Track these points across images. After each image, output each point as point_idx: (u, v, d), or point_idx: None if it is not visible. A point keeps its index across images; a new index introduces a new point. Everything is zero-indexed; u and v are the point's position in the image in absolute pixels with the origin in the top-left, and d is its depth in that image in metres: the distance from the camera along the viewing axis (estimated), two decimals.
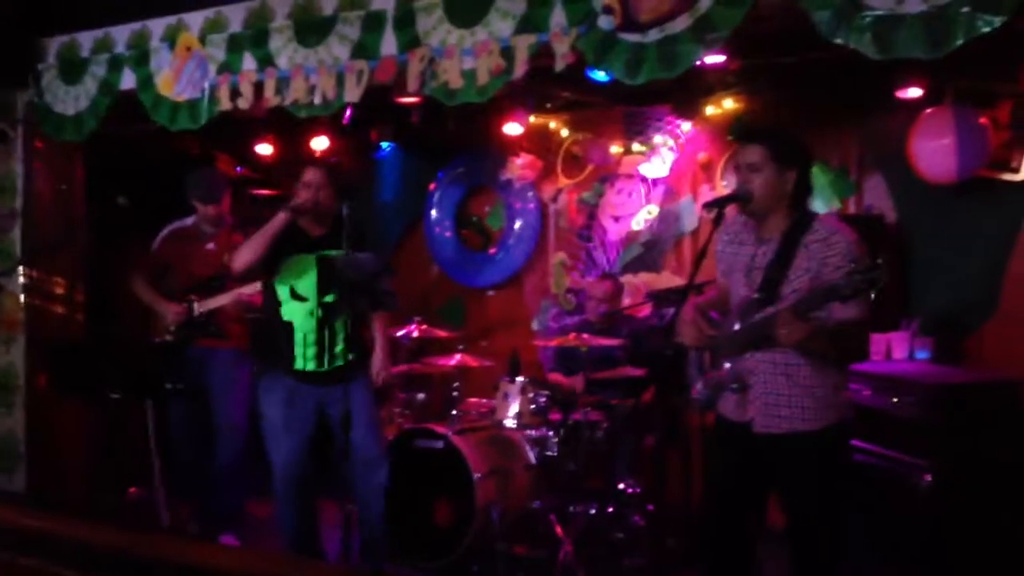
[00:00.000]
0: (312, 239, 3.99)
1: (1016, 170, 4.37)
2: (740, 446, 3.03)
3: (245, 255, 3.91)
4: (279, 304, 3.98)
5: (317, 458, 3.99)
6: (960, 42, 2.78)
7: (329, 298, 3.93)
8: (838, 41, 2.97)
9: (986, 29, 2.75)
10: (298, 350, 3.92)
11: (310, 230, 4.00)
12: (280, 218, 3.87)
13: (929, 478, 3.39)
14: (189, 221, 4.81)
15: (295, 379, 3.95)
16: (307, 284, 3.93)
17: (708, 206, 3.04)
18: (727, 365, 3.04)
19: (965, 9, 2.77)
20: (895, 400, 3.57)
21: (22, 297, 5.04)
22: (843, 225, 2.95)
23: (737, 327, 3.00)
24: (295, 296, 3.94)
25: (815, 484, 2.94)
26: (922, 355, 4.24)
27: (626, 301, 5.61)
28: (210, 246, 4.74)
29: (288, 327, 3.95)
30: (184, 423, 4.72)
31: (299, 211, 3.90)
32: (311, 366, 3.93)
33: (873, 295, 2.64)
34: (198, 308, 4.61)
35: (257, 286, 4.58)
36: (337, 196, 3.97)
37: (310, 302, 3.93)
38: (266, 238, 3.86)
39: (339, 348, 3.93)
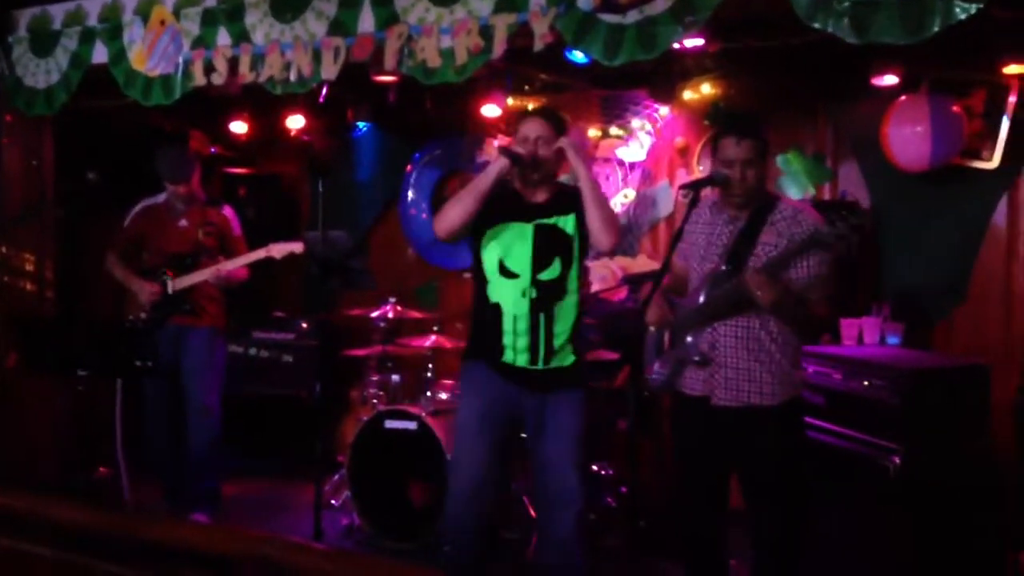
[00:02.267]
0: (531, 205, 3.31)
1: (988, 159, 4.41)
2: (700, 422, 3.10)
3: (452, 215, 3.22)
4: (486, 281, 3.30)
5: (505, 465, 3.35)
6: (937, 28, 2.81)
7: (547, 275, 3.24)
8: (816, 25, 2.99)
9: (963, 16, 2.78)
10: (507, 339, 3.24)
11: (529, 195, 3.33)
12: (496, 167, 3.20)
13: (898, 460, 3.43)
14: (160, 198, 4.75)
15: (500, 374, 3.27)
16: (520, 257, 3.24)
17: (685, 188, 3.07)
18: (689, 339, 3.08)
19: None
20: (866, 383, 3.61)
21: None
22: (806, 206, 3.11)
23: (702, 299, 3.04)
24: (504, 272, 3.26)
25: (774, 459, 3.02)
26: (893, 340, 4.28)
27: (601, 285, 5.63)
28: (183, 223, 4.69)
29: (495, 309, 3.26)
30: (156, 402, 4.68)
31: (519, 160, 3.21)
32: (522, 360, 3.23)
33: (856, 238, 2.71)
34: (173, 286, 4.56)
35: (239, 260, 4.53)
36: (558, 154, 3.28)
37: (522, 278, 3.24)
38: (480, 193, 3.21)
39: (559, 341, 3.24)
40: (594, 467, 4.63)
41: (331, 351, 5.31)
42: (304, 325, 5.90)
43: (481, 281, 3.32)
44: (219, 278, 4.51)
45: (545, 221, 3.29)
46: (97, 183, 4.39)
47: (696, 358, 3.06)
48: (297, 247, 4.38)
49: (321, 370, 4.80)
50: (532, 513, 4.30)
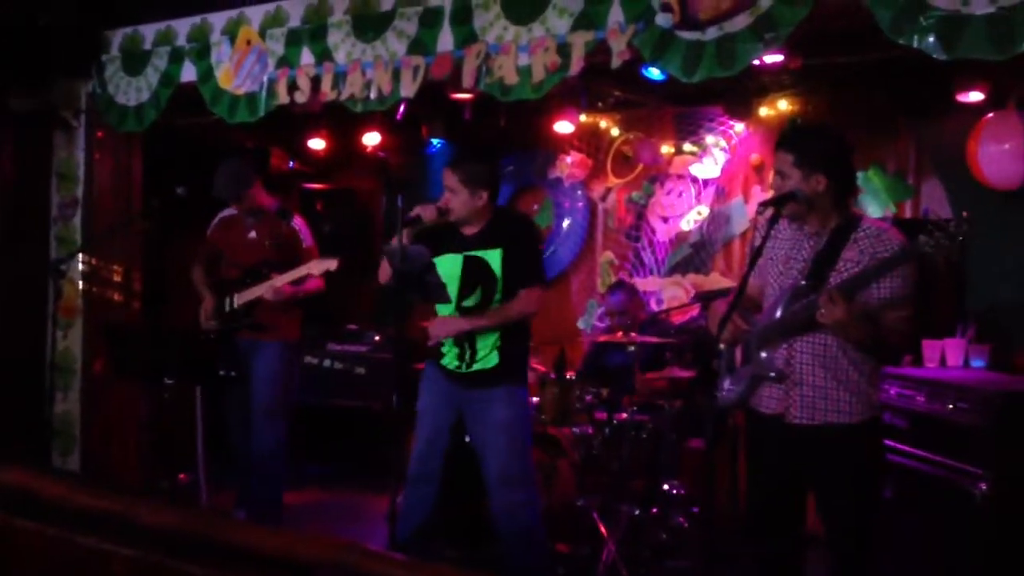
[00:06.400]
0: (464, 237, 3.74)
1: None
2: (776, 440, 3.03)
3: (381, 273, 3.78)
4: None
5: (446, 457, 3.86)
6: None
7: (469, 302, 3.73)
8: (901, 41, 2.94)
9: None
10: (444, 347, 3.79)
11: (463, 228, 3.75)
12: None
13: (984, 486, 3.33)
14: (236, 209, 4.75)
15: (442, 373, 3.83)
16: (451, 285, 3.70)
17: (764, 205, 3.03)
18: (763, 355, 3.02)
19: None
20: (950, 407, 3.51)
21: (81, 284, 5.17)
22: (891, 227, 3.01)
23: (778, 314, 2.99)
24: None
25: (850, 479, 2.94)
26: (977, 363, 4.16)
27: (673, 303, 5.59)
28: (252, 234, 4.67)
29: None
30: (235, 410, 4.77)
31: (416, 222, 3.60)
32: (453, 364, 3.78)
33: (957, 248, 2.58)
34: (237, 300, 4.56)
35: (286, 276, 4.43)
36: (474, 193, 3.63)
37: (451, 304, 3.73)
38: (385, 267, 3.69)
39: (482, 353, 3.73)
40: (665, 486, 4.59)
41: (404, 364, 5.37)
42: (376, 338, 5.99)
43: None
44: (277, 293, 4.46)
45: (473, 253, 3.71)
46: (185, 197, 4.49)
47: (772, 374, 3.01)
48: (332, 264, 4.36)
49: (395, 382, 4.86)
50: (603, 530, 4.28)
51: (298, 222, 4.76)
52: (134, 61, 4.90)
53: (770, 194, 3.14)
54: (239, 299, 4.58)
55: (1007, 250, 4.48)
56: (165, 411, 4.56)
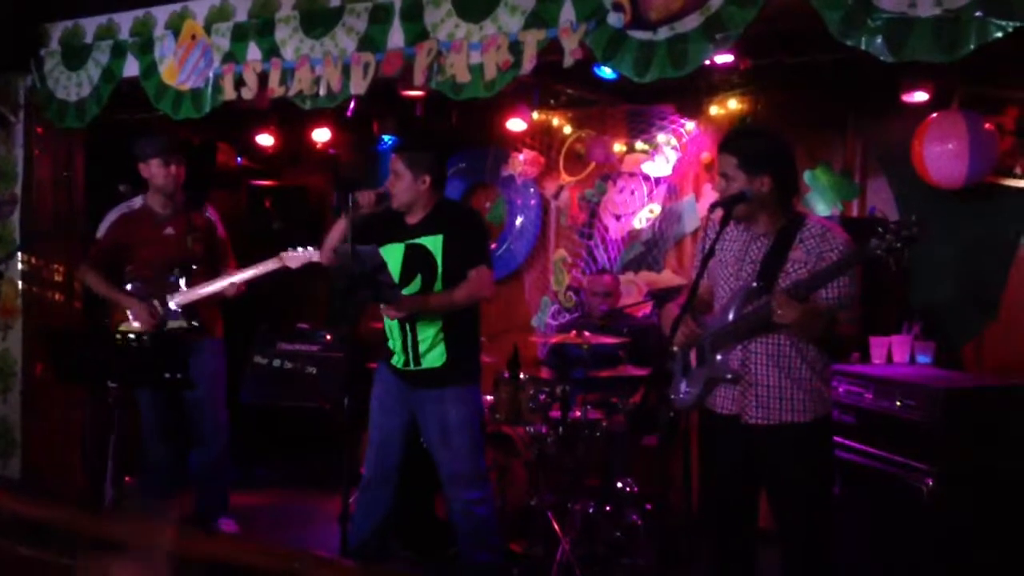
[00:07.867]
0: (406, 226, 3.74)
1: (1021, 176, 4.36)
2: (732, 440, 3.06)
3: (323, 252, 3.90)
4: None
5: (400, 459, 3.84)
6: (972, 47, 2.79)
7: (408, 291, 3.67)
8: (849, 43, 2.97)
9: (998, 34, 2.76)
10: (391, 344, 3.76)
11: (407, 216, 3.75)
12: (339, 223, 3.70)
13: (931, 482, 3.39)
14: (137, 203, 4.54)
15: (392, 372, 3.81)
16: (392, 274, 3.63)
17: (715, 206, 3.05)
18: (719, 357, 3.05)
19: (978, 13, 2.76)
20: (897, 403, 3.57)
21: (20, 284, 5.02)
22: (835, 225, 3.06)
23: (731, 317, 3.01)
24: None
25: (804, 475, 2.99)
26: (923, 359, 4.23)
27: (626, 300, 5.61)
28: (168, 230, 4.45)
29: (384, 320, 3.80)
30: (152, 413, 4.54)
31: (353, 208, 3.56)
32: (400, 362, 3.75)
33: (907, 252, 2.62)
34: (177, 301, 4.38)
35: (251, 271, 4.33)
36: (417, 178, 3.66)
37: None
38: (329, 242, 3.79)
39: (425, 347, 3.69)
40: (619, 484, 4.60)
41: (355, 363, 5.31)
42: (328, 337, 5.91)
43: None
44: (239, 289, 4.35)
45: (414, 241, 3.69)
46: (128, 195, 4.36)
47: (728, 376, 3.04)
48: (314, 255, 4.23)
49: (347, 382, 4.80)
50: (557, 529, 4.27)
51: (211, 212, 4.63)
52: (75, 55, 4.77)
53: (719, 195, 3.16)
54: (179, 299, 4.40)
55: (951, 248, 4.57)
56: (109, 414, 4.42)
